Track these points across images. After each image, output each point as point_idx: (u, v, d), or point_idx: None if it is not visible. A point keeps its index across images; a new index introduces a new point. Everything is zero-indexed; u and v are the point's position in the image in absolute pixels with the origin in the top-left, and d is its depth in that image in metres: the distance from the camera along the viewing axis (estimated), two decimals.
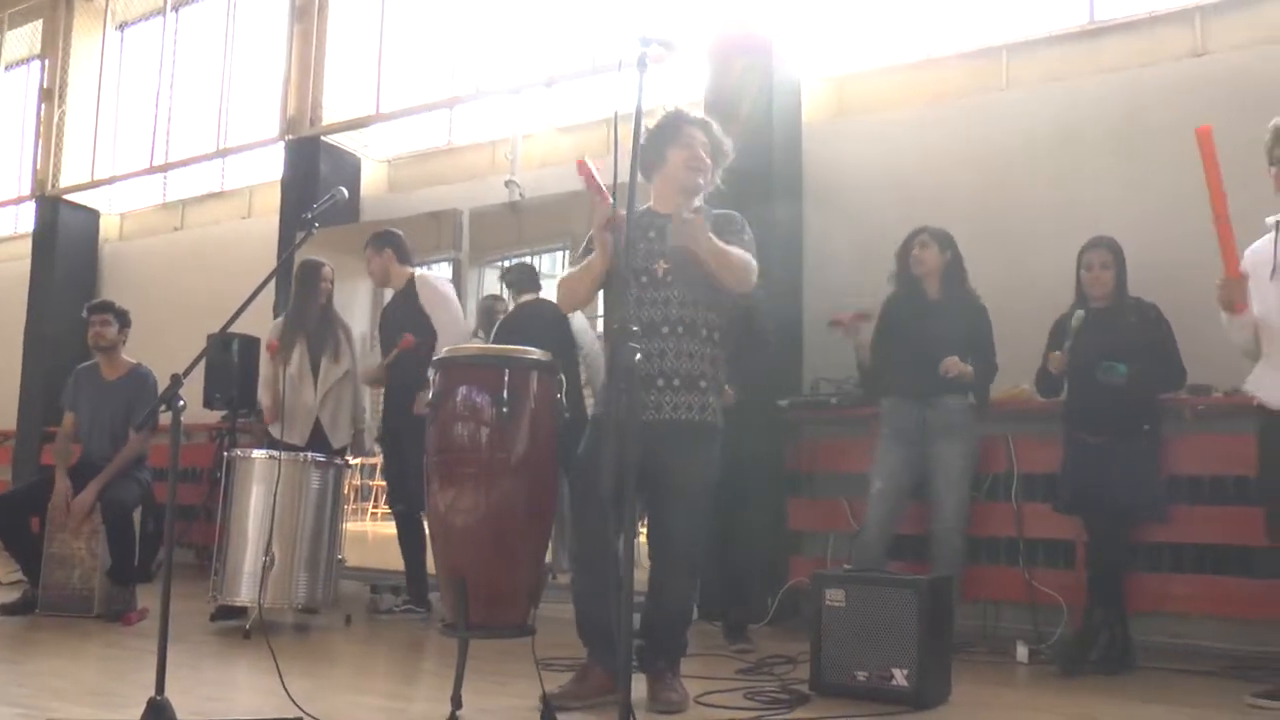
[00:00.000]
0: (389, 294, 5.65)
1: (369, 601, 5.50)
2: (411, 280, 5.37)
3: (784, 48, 5.87)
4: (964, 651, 4.31)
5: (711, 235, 3.17)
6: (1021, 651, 4.30)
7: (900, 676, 3.32)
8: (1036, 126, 5.37)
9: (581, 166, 3.15)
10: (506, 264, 7.22)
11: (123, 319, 5.46)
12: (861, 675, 3.38)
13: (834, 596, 3.47)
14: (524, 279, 5.73)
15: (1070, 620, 4.51)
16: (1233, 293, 3.54)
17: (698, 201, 3.40)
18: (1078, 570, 4.56)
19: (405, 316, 5.26)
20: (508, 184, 6.67)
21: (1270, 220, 3.67)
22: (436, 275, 5.67)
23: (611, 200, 3.09)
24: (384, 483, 10.91)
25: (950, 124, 5.64)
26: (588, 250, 3.36)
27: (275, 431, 5.31)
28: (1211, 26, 5.25)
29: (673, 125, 3.34)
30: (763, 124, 5.63)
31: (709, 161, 3.35)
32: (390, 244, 5.44)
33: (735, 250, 3.25)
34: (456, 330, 5.20)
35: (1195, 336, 4.26)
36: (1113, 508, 4.23)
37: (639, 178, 2.80)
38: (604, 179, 3.06)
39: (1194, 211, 4.75)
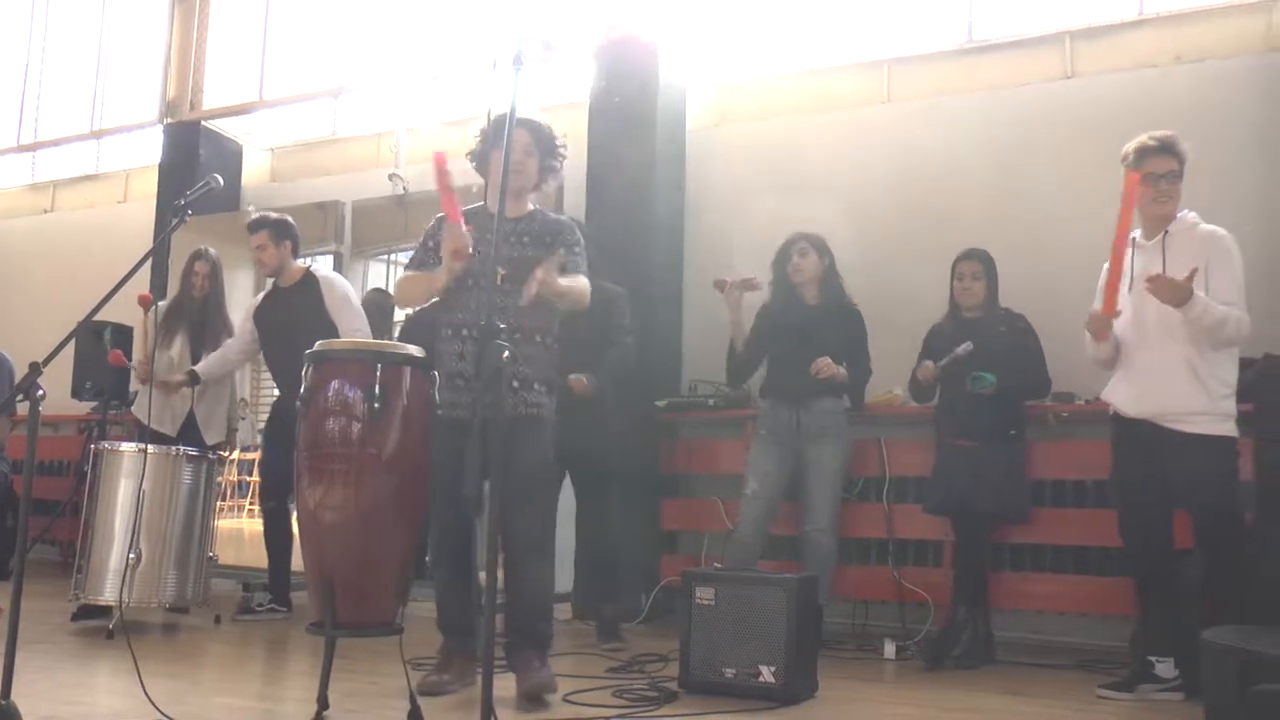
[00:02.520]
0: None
1: (240, 600, 5.38)
2: (309, 278, 5.18)
3: (670, 53, 5.93)
4: (834, 649, 4.44)
5: (559, 282, 3.22)
6: (889, 648, 4.42)
7: (768, 673, 3.38)
8: (916, 139, 5.52)
9: (438, 160, 3.19)
10: (391, 258, 7.17)
11: None
12: (730, 672, 3.43)
13: (704, 595, 3.51)
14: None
15: (936, 617, 4.65)
16: (1102, 326, 3.70)
17: (531, 205, 3.47)
18: (945, 569, 4.70)
19: (301, 315, 5.04)
20: (391, 177, 6.59)
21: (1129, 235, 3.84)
22: (337, 275, 5.50)
23: (463, 224, 3.20)
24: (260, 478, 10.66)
25: (832, 134, 5.77)
26: (425, 250, 3.48)
27: (141, 412, 5.15)
28: (1080, 51, 5.49)
29: (496, 127, 3.37)
30: (647, 128, 5.69)
31: (527, 160, 3.40)
32: (290, 236, 5.22)
33: (575, 286, 3.35)
34: (363, 334, 5.05)
35: (1061, 346, 4.43)
36: (979, 510, 4.38)
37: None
38: (458, 182, 3.10)
39: (1063, 227, 5.00)
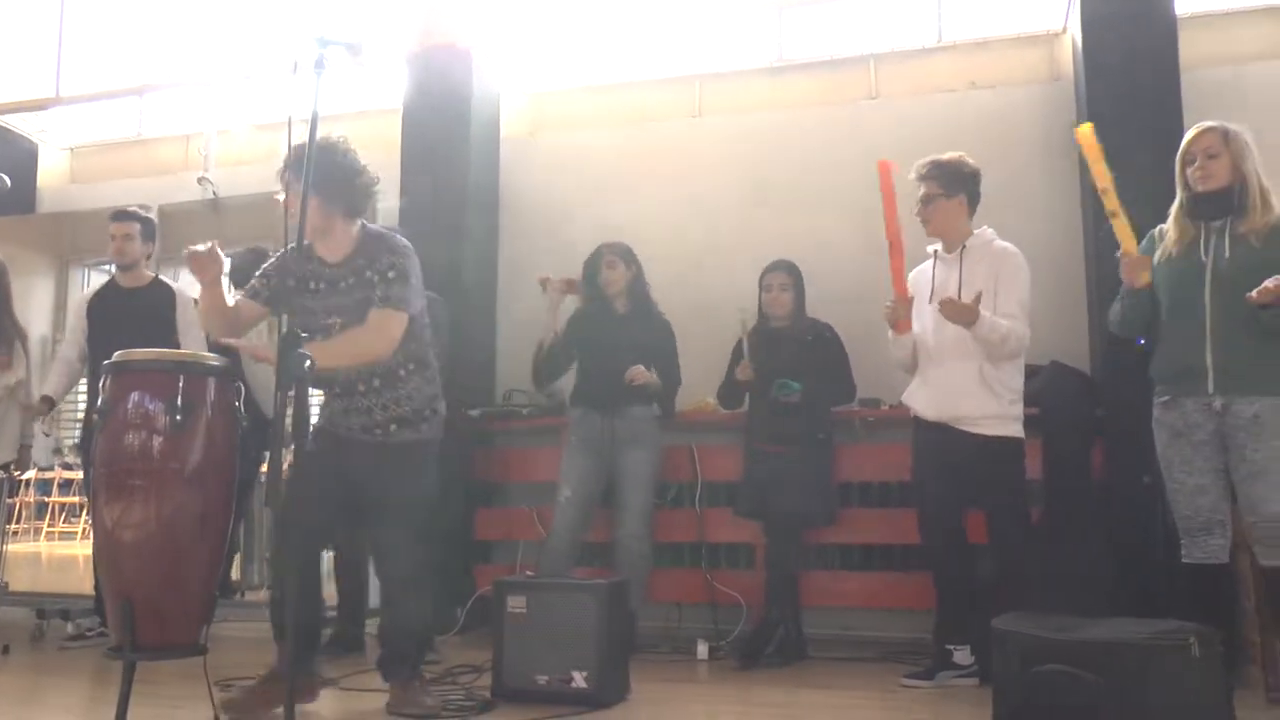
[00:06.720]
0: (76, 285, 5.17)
1: (33, 629, 5.06)
2: (161, 284, 5.03)
3: (484, 60, 5.92)
4: (648, 652, 4.50)
5: (327, 349, 3.07)
6: (702, 649, 4.51)
7: (580, 679, 3.41)
8: (726, 153, 5.68)
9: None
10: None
11: None
12: (542, 679, 3.45)
13: (516, 603, 3.53)
14: (244, 275, 5.45)
15: (749, 618, 4.76)
16: (899, 311, 3.90)
17: (354, 232, 3.31)
18: (757, 571, 4.81)
19: (146, 318, 4.86)
20: (201, 181, 6.35)
21: (929, 248, 4.07)
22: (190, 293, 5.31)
23: None
24: (69, 499, 10.09)
25: (645, 146, 5.87)
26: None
27: None
28: (884, 73, 5.77)
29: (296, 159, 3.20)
30: (460, 135, 5.66)
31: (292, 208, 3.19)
32: (154, 239, 5.10)
33: (359, 339, 3.19)
34: None
35: (867, 354, 4.63)
36: (788, 512, 4.51)
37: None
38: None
39: (868, 239, 5.19)
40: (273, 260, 3.42)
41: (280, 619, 3.25)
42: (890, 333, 4.01)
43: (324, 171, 3.06)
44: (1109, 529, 4.46)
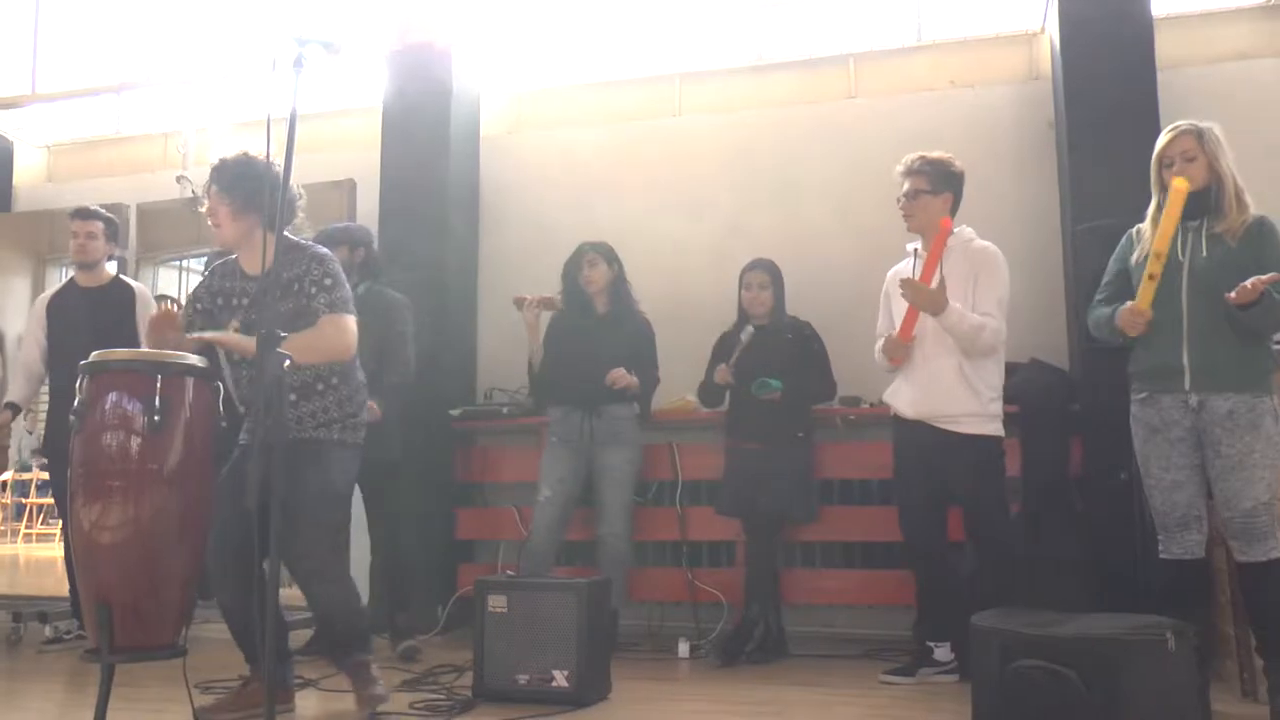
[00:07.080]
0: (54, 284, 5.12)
1: (10, 632, 5.02)
2: (121, 283, 5.01)
3: (464, 59, 5.91)
4: (630, 651, 4.50)
5: (296, 343, 2.94)
6: (683, 647, 4.51)
7: (561, 678, 3.42)
8: (706, 152, 5.69)
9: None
10: (182, 264, 6.86)
11: None
12: (523, 679, 3.45)
13: (496, 603, 3.52)
14: None
15: (730, 616, 4.77)
16: (898, 352, 3.93)
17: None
18: (737, 569, 4.81)
19: (106, 318, 4.82)
20: (180, 179, 6.31)
21: (910, 247, 4.08)
22: (148, 290, 5.29)
23: None
24: (47, 500, 10.03)
25: (625, 145, 5.87)
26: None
27: None
28: (863, 72, 5.78)
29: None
30: (440, 134, 5.64)
31: (214, 215, 3.30)
32: (117, 238, 5.07)
33: (318, 342, 3.19)
34: None
35: (847, 352, 4.64)
36: (769, 510, 4.52)
37: None
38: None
39: (848, 238, 5.25)
40: (200, 284, 3.46)
41: (243, 637, 3.26)
42: (879, 352, 4.03)
43: (245, 183, 3.18)
44: (1087, 525, 4.49)
